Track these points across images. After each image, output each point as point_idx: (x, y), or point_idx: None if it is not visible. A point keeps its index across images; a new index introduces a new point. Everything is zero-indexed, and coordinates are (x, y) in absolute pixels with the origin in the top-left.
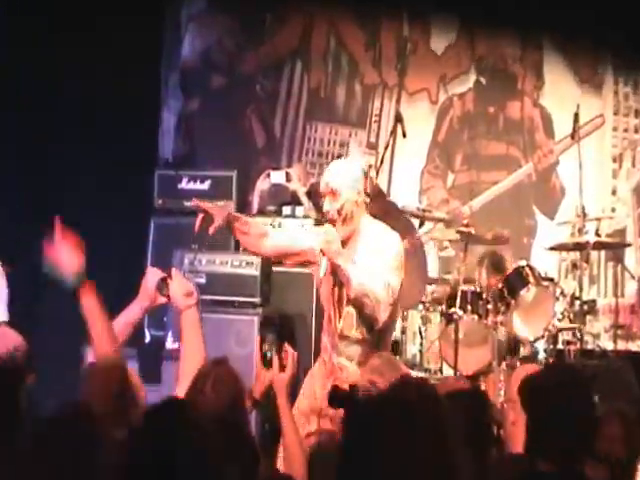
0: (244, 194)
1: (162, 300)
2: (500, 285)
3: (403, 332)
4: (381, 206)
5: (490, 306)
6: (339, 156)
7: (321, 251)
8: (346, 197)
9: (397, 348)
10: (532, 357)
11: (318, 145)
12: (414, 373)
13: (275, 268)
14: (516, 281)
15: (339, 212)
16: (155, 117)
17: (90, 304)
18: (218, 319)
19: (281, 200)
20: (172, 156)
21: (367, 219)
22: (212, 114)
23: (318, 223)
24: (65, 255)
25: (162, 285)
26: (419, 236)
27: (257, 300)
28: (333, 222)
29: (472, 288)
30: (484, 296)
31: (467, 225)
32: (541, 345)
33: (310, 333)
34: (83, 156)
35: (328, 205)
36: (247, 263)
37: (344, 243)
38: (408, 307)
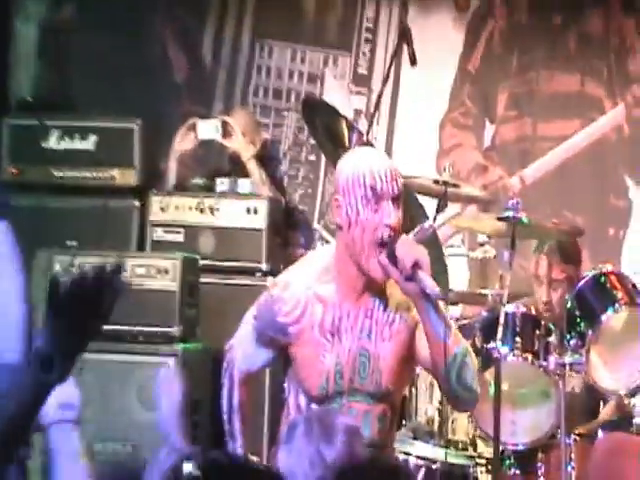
0: (153, 157)
1: None
2: (570, 303)
3: (412, 384)
4: None
5: (553, 338)
6: (308, 97)
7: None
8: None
9: (403, 408)
10: (624, 422)
11: (274, 79)
12: (428, 447)
13: (207, 279)
14: (596, 298)
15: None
16: (4, 30)
17: None
18: (111, 362)
19: (214, 168)
20: (32, 95)
21: None
22: (99, 27)
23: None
24: None
25: None
26: (433, 226)
27: (176, 331)
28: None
29: (523, 309)
30: (543, 322)
31: (516, 208)
32: (639, 402)
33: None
34: None
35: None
36: (160, 271)
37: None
38: None
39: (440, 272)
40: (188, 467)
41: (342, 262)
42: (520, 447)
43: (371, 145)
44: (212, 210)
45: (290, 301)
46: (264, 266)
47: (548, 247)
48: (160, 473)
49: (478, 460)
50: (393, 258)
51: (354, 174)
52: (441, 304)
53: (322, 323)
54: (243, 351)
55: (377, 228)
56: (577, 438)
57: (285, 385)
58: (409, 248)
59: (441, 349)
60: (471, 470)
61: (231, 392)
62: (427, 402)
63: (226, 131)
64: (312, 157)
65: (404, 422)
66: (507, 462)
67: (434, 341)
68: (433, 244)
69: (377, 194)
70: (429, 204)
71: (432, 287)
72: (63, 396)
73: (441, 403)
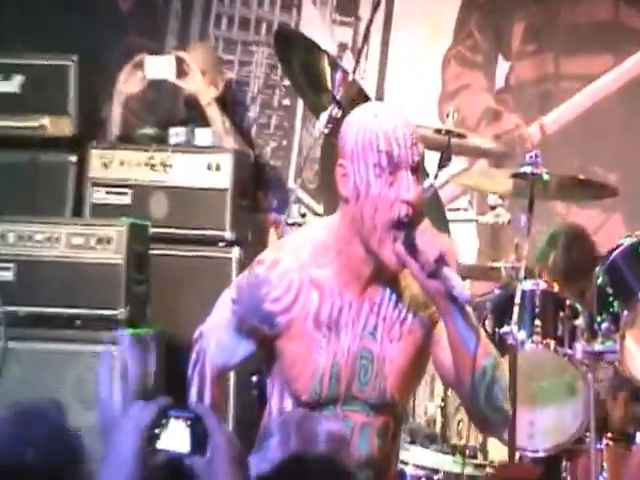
0: (92, 102)
1: None
2: (600, 278)
3: None
4: None
5: (580, 321)
6: (282, 29)
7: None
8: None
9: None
10: None
11: (240, 6)
12: (428, 454)
13: (159, 250)
14: (632, 272)
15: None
16: None
17: None
18: (43, 352)
19: (167, 115)
20: None
21: None
22: None
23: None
24: None
25: None
26: (433, 185)
27: (121, 313)
28: None
29: (543, 286)
30: (568, 302)
31: (535, 162)
32: None
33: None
34: None
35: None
36: (101, 240)
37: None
38: None
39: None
40: (178, 426)
41: (345, 241)
42: (540, 453)
43: (358, 86)
44: (165, 166)
45: (280, 284)
46: (228, 234)
47: (552, 260)
48: (136, 433)
49: (489, 470)
50: (412, 247)
51: (365, 136)
52: (469, 309)
53: (318, 314)
54: (218, 341)
55: (393, 205)
56: (610, 442)
57: (268, 383)
58: (433, 238)
59: (468, 361)
60: None
61: (202, 391)
62: (427, 399)
63: (181, 70)
64: (287, 102)
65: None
66: None
67: (460, 352)
68: (434, 207)
69: (393, 162)
70: (429, 158)
71: (461, 288)
72: None
73: (444, 400)
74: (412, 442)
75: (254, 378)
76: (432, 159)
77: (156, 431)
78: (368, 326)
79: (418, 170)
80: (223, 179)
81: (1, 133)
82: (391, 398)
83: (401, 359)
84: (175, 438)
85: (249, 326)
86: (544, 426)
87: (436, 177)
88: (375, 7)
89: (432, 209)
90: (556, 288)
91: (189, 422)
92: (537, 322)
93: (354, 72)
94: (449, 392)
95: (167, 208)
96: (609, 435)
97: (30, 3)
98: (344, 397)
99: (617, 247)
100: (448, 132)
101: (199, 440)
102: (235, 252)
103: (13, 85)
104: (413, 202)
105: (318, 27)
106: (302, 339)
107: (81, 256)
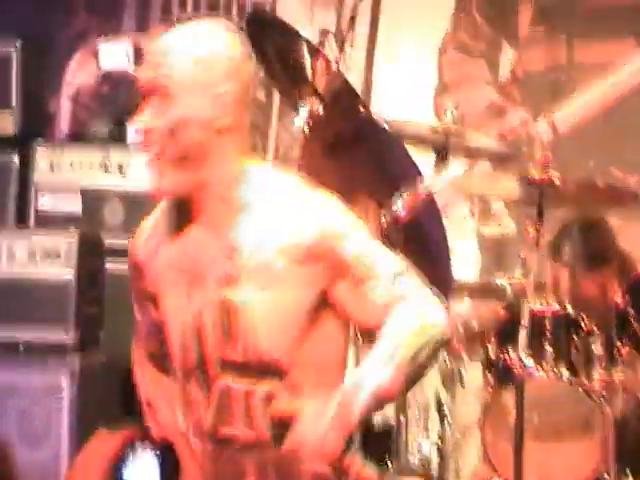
0: (38, 95)
1: None
2: (620, 300)
3: (401, 407)
4: (352, 125)
5: (596, 347)
6: (256, 12)
7: None
8: (187, 109)
9: (384, 442)
10: None
11: None
12: None
13: (115, 264)
14: None
15: (169, 135)
16: None
17: None
18: None
19: (124, 110)
20: None
21: (258, 180)
22: None
23: None
24: None
25: None
26: (429, 190)
27: (70, 337)
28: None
29: (555, 306)
30: (583, 324)
31: (544, 164)
32: None
33: None
34: None
35: (148, 118)
36: (47, 253)
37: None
38: None
39: (438, 255)
40: (146, 457)
41: None
42: None
43: (342, 77)
44: (121, 168)
45: (140, 235)
46: None
47: (570, 247)
48: (100, 466)
49: None
50: None
51: None
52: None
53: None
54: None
55: None
56: None
57: None
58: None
59: None
60: None
61: None
62: (421, 435)
63: (140, 58)
64: (260, 95)
65: (389, 462)
66: None
67: None
68: (429, 215)
69: None
70: (424, 159)
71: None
72: None
73: (441, 437)
74: None
75: None
76: (427, 161)
77: (122, 463)
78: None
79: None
80: None
81: None
82: (269, 359)
83: (271, 309)
84: (143, 470)
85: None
86: (555, 466)
87: (432, 182)
88: None
89: (427, 217)
90: (569, 309)
91: (157, 451)
92: (547, 347)
93: (338, 62)
94: (446, 427)
95: (123, 216)
96: (630, 477)
97: None
98: (213, 362)
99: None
100: (446, 130)
101: (169, 470)
102: None
103: None
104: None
105: (296, 10)
106: (169, 296)
107: (25, 272)
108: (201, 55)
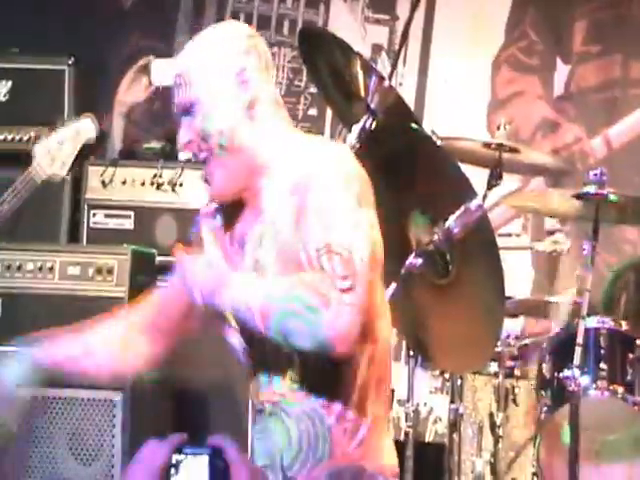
0: (90, 112)
1: None
2: None
3: (454, 424)
4: (405, 141)
5: None
6: (308, 28)
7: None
8: (215, 109)
9: (439, 457)
10: None
11: (260, 2)
12: None
13: (164, 281)
14: None
15: (205, 137)
16: None
17: None
18: (33, 399)
19: (174, 126)
20: None
21: (282, 141)
22: None
23: None
24: None
25: None
26: (482, 207)
27: None
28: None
29: (610, 324)
30: (639, 341)
31: (600, 181)
32: None
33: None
34: None
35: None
36: (100, 270)
37: (234, 217)
38: (462, 368)
39: (492, 272)
40: (195, 464)
41: None
42: None
43: (395, 93)
44: (173, 185)
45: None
46: None
47: (626, 275)
48: (150, 474)
49: None
50: None
51: None
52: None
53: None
54: None
55: None
56: None
57: None
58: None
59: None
60: None
61: None
62: (475, 454)
63: None
64: (313, 111)
65: None
66: None
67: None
68: (482, 232)
69: None
70: (478, 176)
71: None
72: None
73: (494, 455)
74: None
75: None
76: (481, 177)
77: (171, 471)
78: None
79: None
80: None
81: None
82: None
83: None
84: (192, 477)
85: None
86: None
87: (485, 198)
88: (415, 4)
89: (480, 234)
90: (625, 326)
91: (207, 458)
92: (602, 365)
93: (391, 77)
94: (499, 446)
95: (175, 233)
96: None
97: (16, 1)
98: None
99: None
100: (499, 146)
101: (218, 477)
102: None
103: None
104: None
105: (349, 26)
106: None
107: (77, 288)
108: (213, 51)
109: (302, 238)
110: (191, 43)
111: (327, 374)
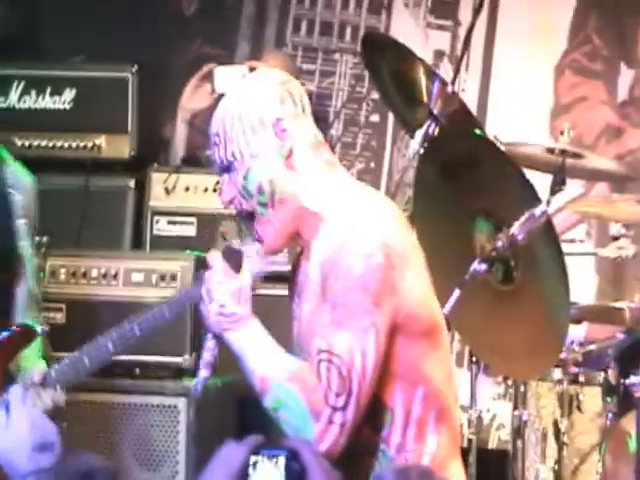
0: (154, 119)
1: None
2: None
3: (517, 431)
4: (468, 147)
5: None
6: (370, 34)
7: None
8: (254, 164)
9: (503, 464)
10: None
11: (322, 9)
12: None
13: None
14: None
15: (247, 200)
16: None
17: None
18: (98, 404)
19: None
20: None
21: (325, 189)
22: None
23: None
24: None
25: None
26: (546, 213)
27: (186, 361)
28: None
29: None
30: None
31: None
32: None
33: None
34: None
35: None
36: (163, 276)
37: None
38: (526, 374)
39: (556, 278)
40: (271, 466)
41: None
42: None
43: (458, 99)
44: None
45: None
46: None
47: None
48: (228, 476)
49: None
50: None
51: None
52: None
53: None
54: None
55: None
56: None
57: None
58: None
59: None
60: None
61: None
62: (539, 461)
63: None
64: (375, 117)
65: None
66: None
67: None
68: (546, 238)
69: None
70: (541, 181)
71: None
72: (37, 434)
73: (558, 462)
74: None
75: None
76: (544, 182)
77: (249, 472)
78: None
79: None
80: None
81: (50, 154)
82: None
83: None
84: (269, 478)
85: None
86: None
87: (548, 203)
88: (477, 10)
89: (544, 240)
90: None
91: (283, 460)
92: None
93: (453, 83)
94: (564, 453)
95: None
96: None
97: (80, 9)
98: None
99: None
100: (562, 152)
101: (295, 478)
102: None
103: (64, 100)
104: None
105: (411, 32)
106: None
107: (141, 295)
108: (247, 106)
109: (318, 319)
110: (225, 99)
111: (378, 413)
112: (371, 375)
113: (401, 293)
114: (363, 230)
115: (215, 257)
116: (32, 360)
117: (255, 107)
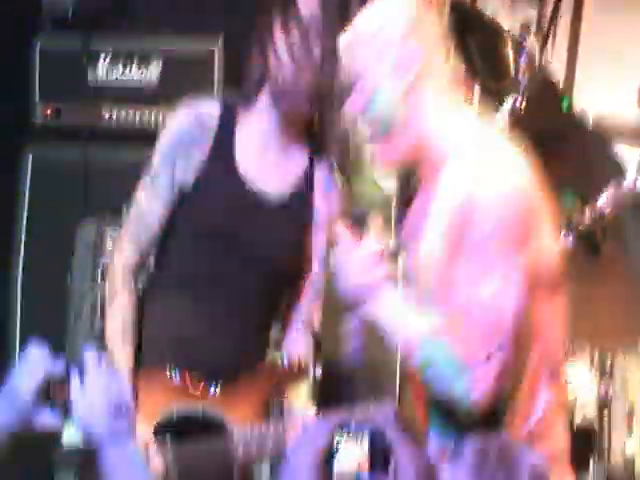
0: (240, 89)
1: None
2: None
3: (603, 405)
4: (555, 121)
5: None
6: (456, 8)
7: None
8: (379, 85)
9: (587, 443)
10: None
11: None
12: None
13: None
14: None
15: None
16: None
17: None
18: None
19: None
20: (73, 8)
21: (451, 124)
22: None
23: None
24: None
25: None
26: (634, 189)
27: None
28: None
29: None
30: None
31: None
32: None
33: None
34: None
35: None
36: None
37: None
38: (613, 347)
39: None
40: (355, 444)
41: None
42: None
43: (546, 73)
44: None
45: None
46: None
47: None
48: (313, 456)
49: None
50: None
51: None
52: None
53: None
54: None
55: None
56: None
57: None
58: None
59: None
60: None
61: None
62: (625, 435)
63: None
64: None
65: (591, 463)
66: None
67: None
68: (634, 210)
69: None
70: (630, 156)
71: None
72: (112, 395)
73: None
74: None
75: None
76: (633, 158)
77: (333, 450)
78: None
79: None
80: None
81: (136, 127)
82: None
83: None
84: (353, 457)
85: None
86: None
87: (637, 177)
88: None
89: (632, 213)
90: None
91: (368, 438)
92: None
93: (540, 57)
94: None
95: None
96: None
97: None
98: None
99: None
100: None
101: (379, 458)
102: None
103: (150, 73)
104: None
105: (496, 3)
106: None
107: None
108: (378, 24)
109: (452, 272)
110: (357, 17)
111: None
112: (516, 323)
113: (541, 240)
114: (503, 182)
115: (342, 230)
116: None
117: (386, 26)
